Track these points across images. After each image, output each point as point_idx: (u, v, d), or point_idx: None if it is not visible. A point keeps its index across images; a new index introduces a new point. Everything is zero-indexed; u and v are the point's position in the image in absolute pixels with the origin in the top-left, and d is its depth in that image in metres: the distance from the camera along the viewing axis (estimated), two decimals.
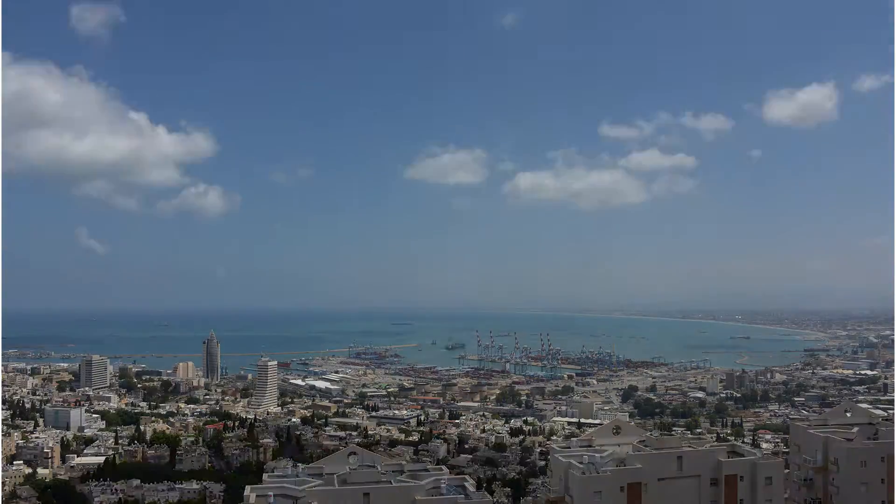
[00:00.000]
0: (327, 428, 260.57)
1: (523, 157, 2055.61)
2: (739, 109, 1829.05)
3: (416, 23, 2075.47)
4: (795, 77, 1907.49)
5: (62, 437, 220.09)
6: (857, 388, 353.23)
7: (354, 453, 59.76)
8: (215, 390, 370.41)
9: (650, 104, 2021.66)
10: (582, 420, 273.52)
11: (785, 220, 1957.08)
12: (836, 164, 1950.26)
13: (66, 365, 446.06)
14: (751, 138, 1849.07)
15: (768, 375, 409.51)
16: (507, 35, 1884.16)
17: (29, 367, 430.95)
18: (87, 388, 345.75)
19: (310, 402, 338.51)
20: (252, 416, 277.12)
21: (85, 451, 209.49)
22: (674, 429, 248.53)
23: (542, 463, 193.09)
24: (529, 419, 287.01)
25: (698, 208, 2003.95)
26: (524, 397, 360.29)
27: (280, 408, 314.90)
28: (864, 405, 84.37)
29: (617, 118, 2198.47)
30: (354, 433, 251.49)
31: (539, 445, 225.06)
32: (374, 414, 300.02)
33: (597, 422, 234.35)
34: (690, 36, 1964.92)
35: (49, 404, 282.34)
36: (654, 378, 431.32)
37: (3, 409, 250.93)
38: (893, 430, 68.08)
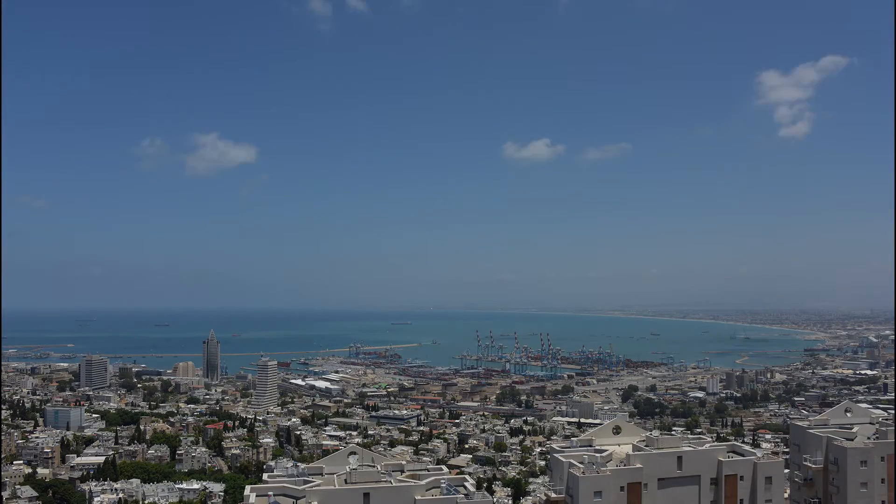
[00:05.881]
0: (327, 428, 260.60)
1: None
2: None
3: None
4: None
5: (62, 437, 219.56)
6: (857, 388, 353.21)
7: (354, 453, 59.70)
8: (215, 390, 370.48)
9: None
10: (582, 420, 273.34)
11: (785, 221, 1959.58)
12: (837, 165, 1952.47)
13: (66, 365, 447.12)
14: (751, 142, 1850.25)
15: (768, 375, 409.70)
16: None
17: (29, 367, 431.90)
18: (87, 388, 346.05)
19: (310, 402, 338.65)
20: (252, 416, 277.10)
21: (85, 451, 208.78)
22: (674, 429, 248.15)
23: (542, 463, 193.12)
24: (529, 419, 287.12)
25: (697, 208, 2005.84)
26: (524, 397, 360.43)
27: (280, 408, 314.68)
28: (865, 405, 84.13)
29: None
30: (354, 433, 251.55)
31: (539, 445, 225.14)
32: (374, 414, 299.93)
33: (597, 422, 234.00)
34: None
35: (50, 404, 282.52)
36: (654, 378, 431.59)
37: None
38: (893, 430, 68.04)
